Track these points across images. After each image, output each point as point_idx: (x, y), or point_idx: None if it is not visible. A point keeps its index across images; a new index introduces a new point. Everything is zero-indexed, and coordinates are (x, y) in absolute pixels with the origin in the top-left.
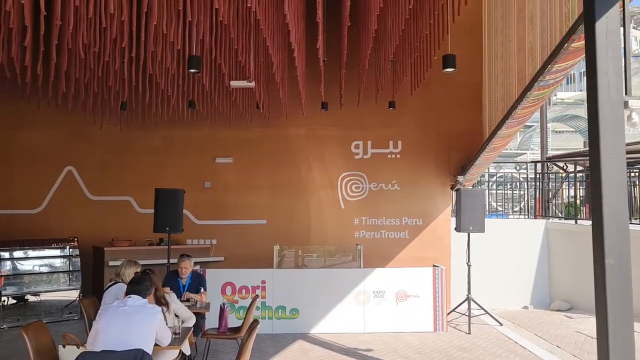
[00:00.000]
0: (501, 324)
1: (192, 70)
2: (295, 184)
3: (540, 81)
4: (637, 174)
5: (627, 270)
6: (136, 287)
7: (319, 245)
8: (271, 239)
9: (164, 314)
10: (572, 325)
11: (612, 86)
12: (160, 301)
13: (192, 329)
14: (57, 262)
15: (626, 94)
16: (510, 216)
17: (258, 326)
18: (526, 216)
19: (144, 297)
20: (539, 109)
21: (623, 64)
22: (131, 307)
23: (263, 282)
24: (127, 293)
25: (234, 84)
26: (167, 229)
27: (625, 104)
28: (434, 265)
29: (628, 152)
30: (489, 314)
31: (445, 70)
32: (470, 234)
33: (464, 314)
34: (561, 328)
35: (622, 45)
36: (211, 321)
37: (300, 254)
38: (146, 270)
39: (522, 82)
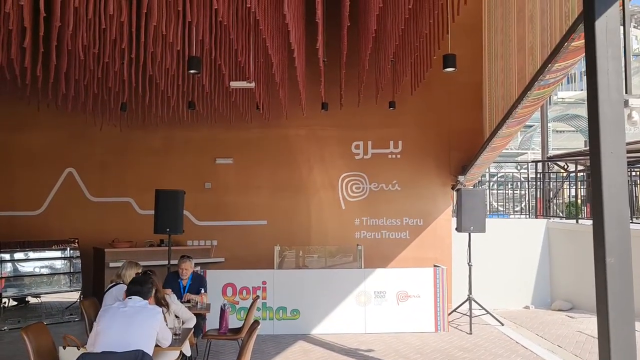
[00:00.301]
0: (502, 324)
1: (191, 71)
2: (295, 185)
3: (540, 80)
4: (637, 173)
5: (628, 269)
6: (138, 288)
7: (320, 246)
8: (272, 240)
9: (164, 315)
10: (574, 325)
11: (612, 85)
12: (161, 302)
13: (193, 329)
14: (58, 264)
15: (626, 92)
16: (511, 216)
17: (258, 327)
18: (527, 216)
19: (145, 298)
20: (540, 109)
21: (623, 63)
22: (132, 308)
23: (264, 282)
24: (129, 294)
25: (234, 84)
26: (168, 230)
27: (626, 103)
28: (435, 266)
29: (629, 151)
30: (490, 314)
31: (446, 69)
32: (471, 234)
33: (465, 314)
34: (563, 328)
35: (622, 44)
36: (212, 322)
37: (301, 254)
38: (147, 271)
39: (522, 82)
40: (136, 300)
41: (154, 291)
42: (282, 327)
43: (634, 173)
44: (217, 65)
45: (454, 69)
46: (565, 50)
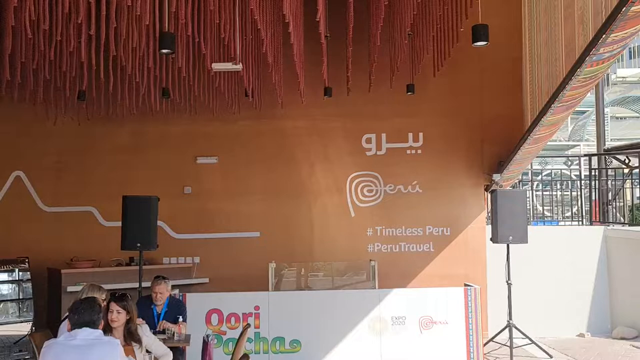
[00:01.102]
0: (551, 356)
1: (164, 51)
2: (294, 188)
3: (592, 55)
4: None
5: None
6: (88, 317)
7: (325, 263)
8: (266, 256)
9: (134, 351)
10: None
11: None
12: (134, 336)
13: None
14: (4, 289)
15: None
16: (560, 223)
17: None
18: (580, 222)
19: (96, 328)
20: (594, 90)
21: None
22: (84, 340)
23: (256, 308)
24: (75, 324)
25: (217, 67)
26: (138, 245)
27: None
28: (466, 285)
29: None
30: (536, 344)
31: (476, 44)
32: (510, 245)
33: (504, 344)
34: None
35: None
36: (193, 357)
37: (303, 273)
38: (124, 294)
39: (570, 57)
40: (87, 331)
41: (125, 320)
42: None
43: None
44: (196, 44)
45: (485, 42)
46: (623, 17)
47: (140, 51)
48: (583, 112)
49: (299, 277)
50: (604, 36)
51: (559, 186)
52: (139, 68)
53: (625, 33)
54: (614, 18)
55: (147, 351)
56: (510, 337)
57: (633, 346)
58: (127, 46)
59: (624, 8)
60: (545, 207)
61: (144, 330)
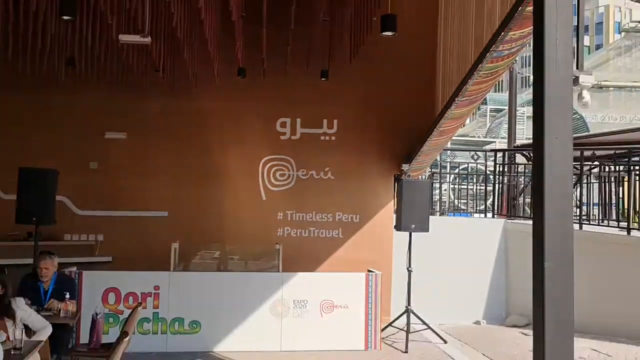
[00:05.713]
0: (445, 342)
1: (65, 17)
2: (205, 169)
3: (493, 52)
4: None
5: (568, 275)
6: None
7: (234, 246)
8: (173, 236)
9: (7, 325)
10: (528, 343)
11: (560, 59)
12: (7, 311)
13: (44, 342)
14: None
15: (577, 68)
16: (475, 215)
17: (127, 339)
18: (494, 216)
19: None
20: (510, 92)
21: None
22: None
23: (156, 288)
24: None
25: (124, 38)
26: (34, 219)
27: (576, 81)
28: (369, 271)
29: (616, 143)
30: (432, 329)
31: (384, 33)
32: (415, 233)
33: (402, 329)
34: (514, 347)
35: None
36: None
37: (218, 255)
38: None
39: (477, 53)
40: None
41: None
42: (177, 343)
43: (622, 167)
44: (101, 11)
45: (393, 33)
46: (519, 15)
47: (42, 16)
48: (500, 110)
49: (208, 259)
50: (503, 33)
51: (474, 180)
52: (41, 33)
53: (523, 32)
54: (511, 16)
55: (26, 326)
56: (408, 323)
57: (522, 333)
58: (27, 10)
59: (520, 7)
60: (461, 200)
61: (18, 303)
